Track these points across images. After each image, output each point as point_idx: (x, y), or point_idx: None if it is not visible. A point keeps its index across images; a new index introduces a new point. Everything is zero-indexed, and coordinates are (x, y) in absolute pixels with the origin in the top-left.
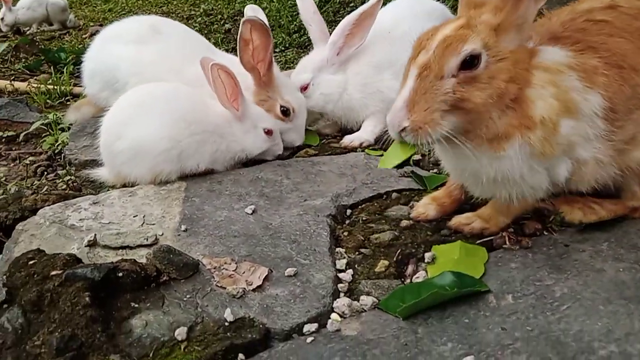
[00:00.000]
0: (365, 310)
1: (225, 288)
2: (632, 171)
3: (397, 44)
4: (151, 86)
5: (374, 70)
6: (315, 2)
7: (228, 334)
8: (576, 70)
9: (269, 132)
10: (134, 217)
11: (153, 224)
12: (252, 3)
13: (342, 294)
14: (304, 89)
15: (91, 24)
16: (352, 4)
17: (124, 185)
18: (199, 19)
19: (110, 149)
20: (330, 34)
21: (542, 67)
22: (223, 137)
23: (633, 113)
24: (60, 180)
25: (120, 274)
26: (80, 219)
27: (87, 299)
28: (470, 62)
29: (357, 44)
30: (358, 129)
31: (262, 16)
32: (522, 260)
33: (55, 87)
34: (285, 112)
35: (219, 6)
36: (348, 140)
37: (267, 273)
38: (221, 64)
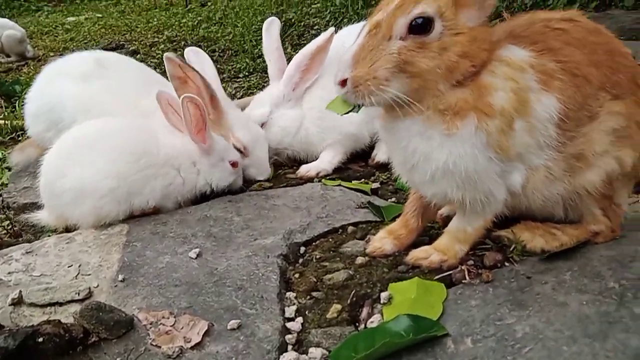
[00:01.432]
0: None
1: (160, 347)
2: (588, 194)
3: None
4: (96, 122)
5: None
6: (280, 25)
7: None
8: (535, 71)
9: (234, 165)
10: (68, 267)
11: (88, 275)
12: (215, 29)
13: (289, 347)
14: (261, 124)
15: (51, 54)
16: (316, 27)
17: (67, 230)
18: (162, 45)
19: (52, 188)
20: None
21: (505, 61)
22: (179, 169)
23: (583, 126)
24: None
25: (41, 339)
26: (9, 272)
27: None
28: (421, 27)
29: (311, 78)
30: None
31: (204, 57)
32: (482, 296)
33: (7, 121)
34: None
35: (183, 33)
36: (304, 170)
37: (207, 328)
38: (192, 95)
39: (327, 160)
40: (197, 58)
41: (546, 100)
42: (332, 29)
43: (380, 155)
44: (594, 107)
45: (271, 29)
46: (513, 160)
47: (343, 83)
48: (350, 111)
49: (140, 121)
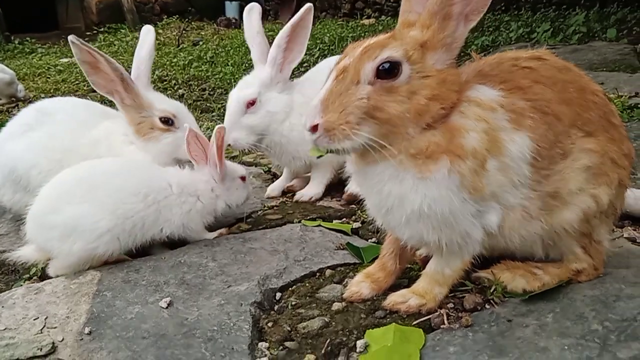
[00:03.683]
0: None
1: None
2: (566, 232)
3: None
4: (98, 161)
5: None
6: (261, 11)
7: None
8: (505, 110)
9: (243, 178)
10: (34, 319)
11: (54, 328)
12: (206, 68)
13: None
14: (250, 104)
15: (42, 95)
16: (305, 64)
17: (43, 277)
18: (153, 85)
19: (41, 221)
20: None
21: (474, 101)
22: (198, 196)
23: (557, 164)
24: None
25: None
26: None
27: None
28: (389, 71)
29: (297, 59)
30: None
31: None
32: (461, 342)
33: None
34: (167, 121)
35: (173, 72)
36: (298, 196)
37: None
38: (194, 130)
39: (317, 182)
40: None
41: (518, 139)
42: (309, 4)
43: (353, 187)
44: (566, 144)
45: (251, 14)
46: (488, 200)
47: (314, 128)
48: (321, 156)
49: (141, 159)
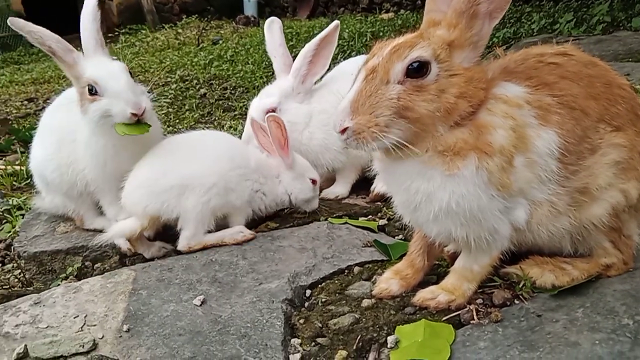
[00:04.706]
0: None
1: None
2: (595, 227)
3: None
4: (187, 134)
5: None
6: (281, 26)
7: None
8: (532, 106)
9: (314, 182)
10: (74, 318)
11: (94, 325)
12: (226, 67)
13: None
14: (271, 112)
15: None
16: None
17: (79, 276)
18: (175, 85)
19: (153, 187)
20: None
21: (501, 98)
22: (267, 178)
23: (585, 159)
24: (10, 274)
25: None
26: (17, 325)
27: None
28: (418, 70)
29: (320, 72)
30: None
31: None
32: (491, 337)
33: (23, 167)
34: (91, 90)
35: (194, 72)
36: (324, 193)
37: None
38: (275, 115)
39: (342, 183)
40: None
41: (546, 135)
42: (337, 22)
43: (379, 187)
44: (595, 139)
45: (272, 27)
46: (515, 196)
47: (344, 131)
48: None
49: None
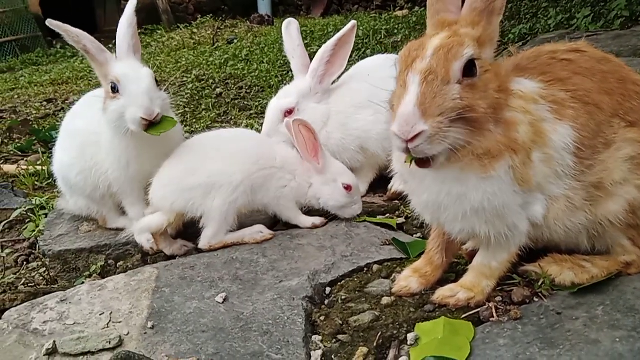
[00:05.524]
0: None
1: None
2: (612, 224)
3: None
4: (214, 132)
5: (354, 110)
6: (299, 26)
7: None
8: (546, 101)
9: (348, 188)
10: (100, 315)
11: (119, 322)
12: (242, 66)
13: None
14: (288, 113)
15: None
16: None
17: (103, 274)
18: (191, 85)
19: (180, 185)
20: None
21: (517, 94)
22: (295, 175)
23: (600, 154)
24: (35, 272)
25: None
26: (44, 322)
27: None
28: (469, 69)
29: (337, 72)
30: None
31: None
32: (511, 334)
33: (44, 167)
34: (114, 88)
35: (210, 71)
36: None
37: None
38: (303, 120)
39: (360, 182)
40: None
41: (561, 130)
42: (354, 22)
43: (397, 185)
44: (609, 134)
45: (290, 28)
46: (533, 192)
47: (415, 137)
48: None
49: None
